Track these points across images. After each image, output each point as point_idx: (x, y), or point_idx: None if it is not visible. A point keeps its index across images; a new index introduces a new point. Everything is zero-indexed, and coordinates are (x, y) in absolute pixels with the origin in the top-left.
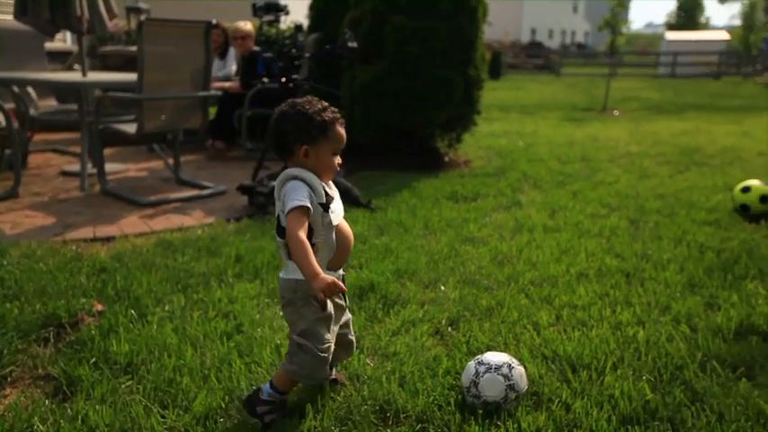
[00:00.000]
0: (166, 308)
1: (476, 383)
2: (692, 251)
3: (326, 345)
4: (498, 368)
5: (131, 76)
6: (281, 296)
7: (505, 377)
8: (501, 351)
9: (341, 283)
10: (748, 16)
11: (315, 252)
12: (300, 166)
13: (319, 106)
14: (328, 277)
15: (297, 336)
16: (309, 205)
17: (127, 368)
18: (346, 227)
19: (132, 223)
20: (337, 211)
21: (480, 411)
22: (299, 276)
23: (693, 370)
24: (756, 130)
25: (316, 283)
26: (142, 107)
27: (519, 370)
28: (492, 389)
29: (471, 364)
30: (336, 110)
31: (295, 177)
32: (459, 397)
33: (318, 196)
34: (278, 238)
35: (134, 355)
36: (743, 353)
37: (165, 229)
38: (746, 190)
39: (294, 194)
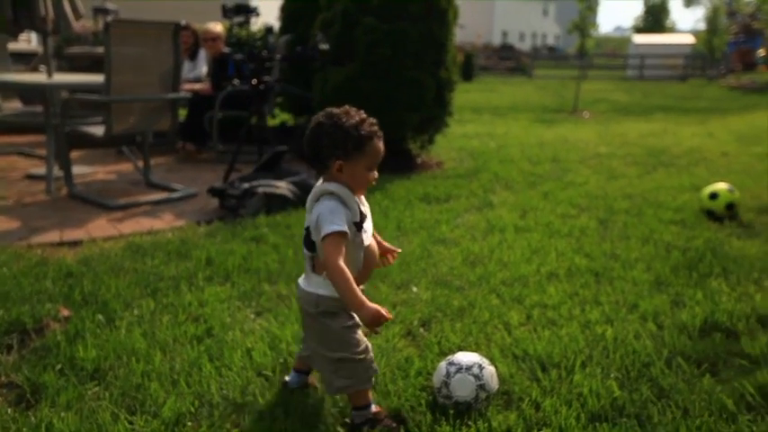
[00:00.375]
0: (135, 312)
1: (447, 384)
2: (658, 250)
3: (362, 346)
4: (469, 368)
5: (99, 78)
6: (304, 308)
7: (476, 377)
8: (472, 351)
9: (386, 313)
10: (712, 20)
11: None
12: (334, 181)
13: (357, 119)
14: (373, 307)
15: (332, 353)
16: (347, 230)
17: (94, 374)
18: (373, 243)
19: (100, 227)
20: (369, 230)
21: (452, 411)
22: (322, 291)
23: (660, 367)
24: (720, 132)
25: (362, 315)
26: (110, 109)
27: (489, 370)
28: (463, 389)
29: (442, 364)
30: (375, 122)
31: (331, 194)
32: (431, 398)
33: (353, 214)
34: (306, 251)
35: (101, 360)
36: (707, 349)
37: (135, 233)
38: (714, 197)
39: (332, 217)
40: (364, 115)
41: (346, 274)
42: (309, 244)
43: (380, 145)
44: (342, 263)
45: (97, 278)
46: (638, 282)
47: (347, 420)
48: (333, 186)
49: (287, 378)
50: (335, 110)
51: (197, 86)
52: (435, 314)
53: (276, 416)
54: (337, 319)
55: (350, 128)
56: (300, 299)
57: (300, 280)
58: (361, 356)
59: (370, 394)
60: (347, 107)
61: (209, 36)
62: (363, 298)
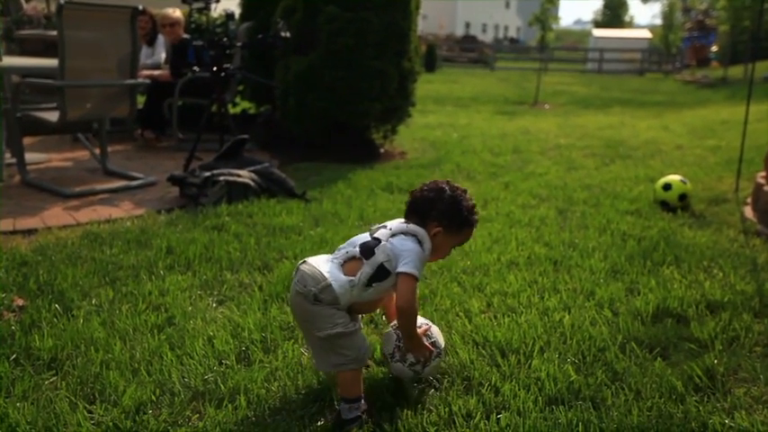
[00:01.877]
0: (93, 302)
1: (399, 347)
2: (615, 239)
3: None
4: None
5: (52, 62)
6: (315, 296)
7: (426, 336)
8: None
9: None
10: (668, 16)
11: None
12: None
13: (472, 203)
14: (425, 343)
15: (323, 331)
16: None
17: (50, 364)
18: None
19: (56, 215)
20: None
21: (414, 394)
22: (335, 286)
23: (614, 351)
24: (675, 125)
25: (419, 351)
26: (64, 94)
27: (435, 328)
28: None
29: (390, 331)
30: (477, 213)
31: (423, 243)
32: (393, 383)
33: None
34: (359, 255)
35: (58, 350)
36: (659, 334)
37: (92, 221)
38: (667, 188)
39: (419, 264)
40: (474, 203)
41: (416, 316)
42: (369, 253)
43: (472, 234)
44: (416, 305)
45: (53, 267)
46: (595, 270)
47: (330, 414)
48: (427, 238)
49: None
50: (459, 187)
51: (156, 73)
52: None
53: (238, 404)
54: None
55: (465, 208)
56: (303, 275)
57: (311, 259)
58: (354, 329)
59: (361, 385)
60: (464, 189)
61: (168, 21)
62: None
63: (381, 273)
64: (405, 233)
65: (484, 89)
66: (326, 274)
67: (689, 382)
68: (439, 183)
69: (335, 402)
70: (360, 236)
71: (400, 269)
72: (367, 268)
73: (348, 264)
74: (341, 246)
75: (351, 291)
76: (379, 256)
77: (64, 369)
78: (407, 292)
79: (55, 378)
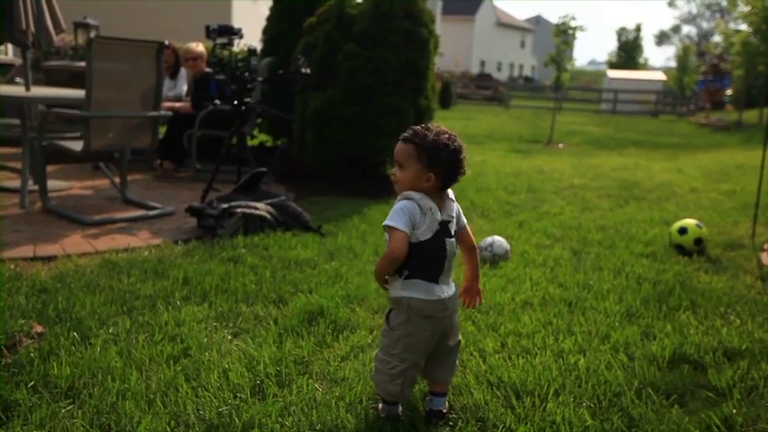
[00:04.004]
0: (111, 330)
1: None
2: (630, 282)
3: None
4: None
5: (78, 92)
6: (450, 313)
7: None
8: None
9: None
10: (682, 59)
11: None
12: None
13: None
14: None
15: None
16: None
17: (68, 392)
18: None
19: (75, 243)
20: None
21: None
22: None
23: (630, 397)
24: (690, 168)
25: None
26: (89, 124)
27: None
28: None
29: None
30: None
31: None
32: (405, 421)
33: None
34: (456, 251)
35: (75, 378)
36: (675, 381)
37: (110, 250)
38: (683, 232)
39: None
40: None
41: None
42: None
43: None
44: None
45: (72, 295)
46: (610, 313)
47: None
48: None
49: (430, 407)
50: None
51: (177, 105)
52: None
53: None
54: None
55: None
56: (450, 306)
57: (444, 291)
58: None
59: None
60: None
61: (191, 56)
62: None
63: None
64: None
65: (498, 127)
66: (454, 291)
67: (707, 431)
68: (458, 142)
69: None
70: None
71: (464, 225)
72: None
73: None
74: None
75: None
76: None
77: (81, 398)
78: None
79: (72, 406)
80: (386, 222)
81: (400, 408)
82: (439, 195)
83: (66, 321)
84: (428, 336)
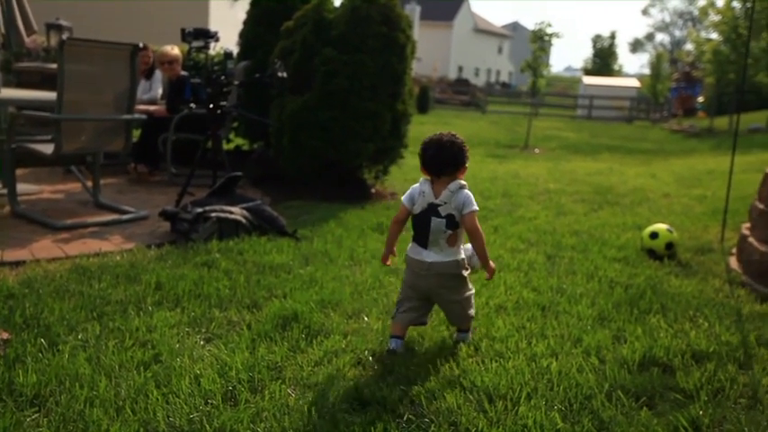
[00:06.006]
0: (80, 336)
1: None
2: (602, 286)
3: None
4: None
5: (49, 95)
6: (449, 273)
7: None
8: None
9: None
10: (655, 66)
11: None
12: (458, 179)
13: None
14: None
15: (463, 294)
16: None
17: (33, 400)
18: None
19: (45, 247)
20: None
21: None
22: (461, 256)
23: (601, 400)
24: (662, 173)
25: (491, 265)
26: (60, 127)
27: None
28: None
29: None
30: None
31: (466, 187)
32: (381, 424)
33: None
34: (447, 231)
35: (42, 386)
36: (645, 383)
37: (81, 255)
38: (654, 236)
39: (473, 200)
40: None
41: (482, 236)
42: (453, 225)
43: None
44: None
45: (40, 300)
46: (583, 316)
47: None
48: (464, 182)
49: (392, 346)
50: (458, 136)
51: (152, 108)
52: (385, 344)
53: None
54: (465, 271)
55: (467, 149)
56: (431, 269)
57: (429, 256)
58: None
59: None
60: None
61: (166, 59)
62: (485, 249)
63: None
64: (455, 192)
65: (475, 132)
66: (449, 258)
67: None
68: (452, 137)
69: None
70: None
71: (467, 212)
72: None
73: (449, 239)
74: None
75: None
76: (458, 216)
77: (47, 406)
78: (475, 221)
79: (37, 415)
80: (401, 198)
81: (400, 344)
82: (440, 184)
83: (34, 328)
84: (412, 282)
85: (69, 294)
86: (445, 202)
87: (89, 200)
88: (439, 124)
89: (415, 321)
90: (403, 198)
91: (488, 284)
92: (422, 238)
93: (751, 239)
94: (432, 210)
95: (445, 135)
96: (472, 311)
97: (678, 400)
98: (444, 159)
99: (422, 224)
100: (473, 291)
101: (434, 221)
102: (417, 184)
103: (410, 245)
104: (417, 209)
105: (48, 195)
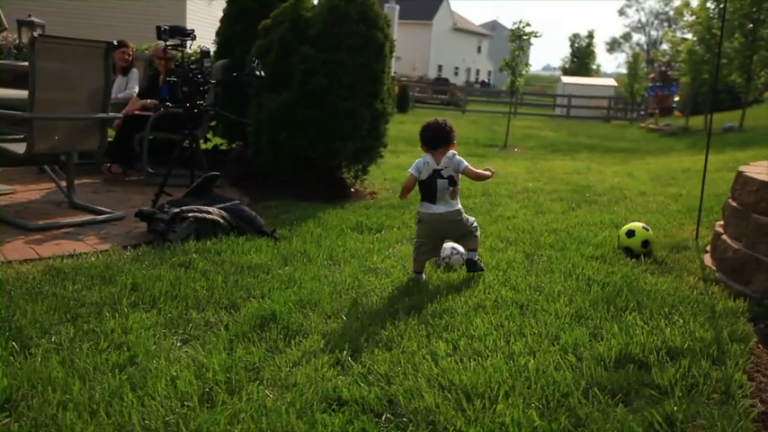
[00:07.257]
0: (53, 339)
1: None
2: (580, 284)
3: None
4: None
5: (21, 93)
6: (455, 219)
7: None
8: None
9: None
10: (632, 66)
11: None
12: (451, 150)
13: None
14: (487, 173)
15: (470, 226)
16: None
17: (4, 405)
18: None
19: (17, 249)
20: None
21: None
22: (460, 206)
23: (578, 397)
24: (639, 172)
25: (489, 173)
26: (32, 126)
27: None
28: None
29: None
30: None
31: (458, 154)
32: (359, 424)
33: None
34: (451, 188)
35: (13, 390)
36: (621, 380)
37: (55, 256)
38: (631, 234)
39: (465, 160)
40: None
41: (480, 171)
42: (453, 182)
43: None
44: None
45: (12, 303)
46: (561, 314)
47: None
48: (455, 151)
49: (420, 279)
50: (445, 120)
51: (137, 105)
52: (364, 344)
53: None
54: (464, 215)
55: (455, 130)
56: (442, 218)
57: (439, 209)
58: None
59: None
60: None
61: (166, 55)
62: (484, 172)
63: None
64: (452, 159)
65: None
66: (454, 208)
67: (649, 429)
68: (444, 120)
69: None
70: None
71: (463, 169)
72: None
73: (453, 193)
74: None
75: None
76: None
77: (18, 410)
78: (472, 168)
79: (8, 420)
80: (409, 170)
81: (424, 276)
82: (438, 155)
83: (5, 330)
84: (426, 231)
85: (42, 296)
86: (446, 167)
87: (63, 200)
88: (419, 123)
89: (430, 256)
90: (411, 169)
91: (467, 283)
92: (431, 197)
93: (724, 237)
94: (436, 174)
95: (439, 120)
96: (478, 233)
97: (653, 396)
98: (440, 136)
99: (430, 186)
100: (473, 218)
101: (440, 182)
102: (420, 159)
103: (420, 204)
104: (424, 175)
105: (21, 196)
